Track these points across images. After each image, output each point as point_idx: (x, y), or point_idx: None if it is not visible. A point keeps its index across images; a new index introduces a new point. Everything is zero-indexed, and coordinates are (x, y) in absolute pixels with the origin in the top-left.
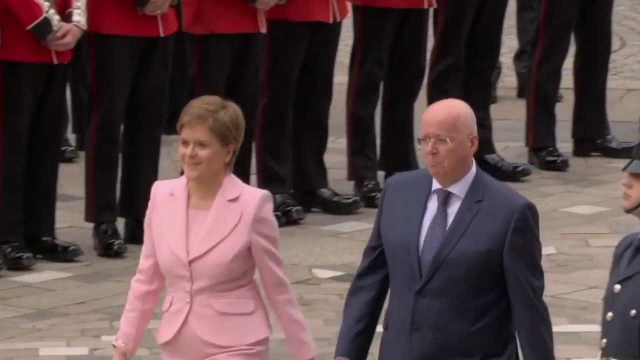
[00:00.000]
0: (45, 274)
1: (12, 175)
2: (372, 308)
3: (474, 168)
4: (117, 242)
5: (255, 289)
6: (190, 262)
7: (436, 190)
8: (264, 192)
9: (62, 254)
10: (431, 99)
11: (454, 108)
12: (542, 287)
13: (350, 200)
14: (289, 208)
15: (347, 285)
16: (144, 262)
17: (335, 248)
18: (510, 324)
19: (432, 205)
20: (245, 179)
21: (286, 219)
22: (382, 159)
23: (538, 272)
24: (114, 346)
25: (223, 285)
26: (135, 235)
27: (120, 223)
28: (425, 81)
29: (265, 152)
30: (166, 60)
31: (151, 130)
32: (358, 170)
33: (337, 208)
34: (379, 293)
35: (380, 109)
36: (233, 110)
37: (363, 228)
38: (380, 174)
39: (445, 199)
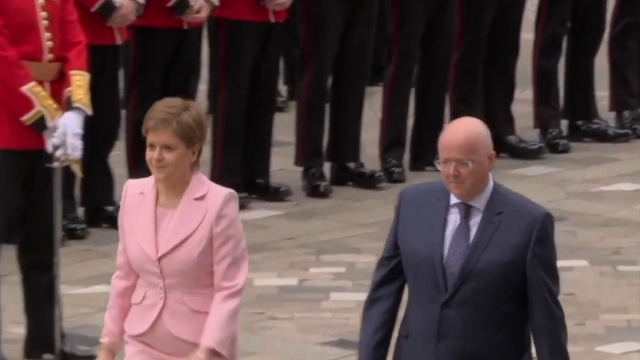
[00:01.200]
0: (259, 212)
1: (233, 126)
2: (389, 317)
3: (491, 181)
4: (323, 184)
5: None
6: (160, 258)
7: (456, 204)
8: (230, 191)
9: (274, 194)
10: (612, 54)
11: (472, 130)
12: (558, 293)
13: (535, 147)
14: None
15: None
16: (120, 258)
17: (522, 191)
18: (526, 330)
19: (453, 218)
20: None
21: None
22: (566, 109)
23: (556, 279)
24: (100, 344)
25: (194, 282)
26: (340, 178)
27: (327, 167)
28: (605, 37)
29: (459, 102)
30: (371, 20)
31: (356, 83)
32: (543, 119)
33: (523, 154)
34: (395, 302)
35: (564, 63)
36: (195, 111)
37: (547, 172)
38: (563, 122)
39: (467, 212)
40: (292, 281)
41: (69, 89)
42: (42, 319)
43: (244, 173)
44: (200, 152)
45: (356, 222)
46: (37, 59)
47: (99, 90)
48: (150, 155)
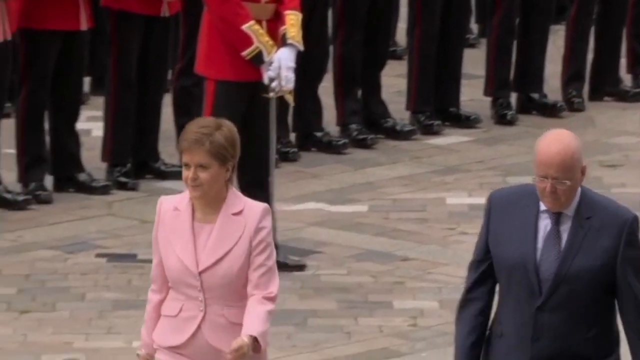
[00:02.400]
0: (452, 137)
1: (426, 57)
2: (482, 319)
3: (579, 187)
4: (510, 112)
5: None
6: (201, 272)
7: (546, 211)
8: (265, 205)
9: (465, 121)
10: None
11: (568, 147)
12: None
13: None
14: None
15: None
16: (154, 271)
17: None
18: (616, 326)
19: (543, 224)
20: None
21: None
22: None
23: None
24: (138, 355)
25: (233, 294)
26: (525, 107)
27: (513, 97)
28: None
29: (634, 40)
30: None
31: (541, 21)
32: None
33: None
34: (487, 304)
35: None
36: (228, 129)
37: None
38: None
39: (557, 219)
40: (481, 200)
41: (284, 27)
42: None
43: (436, 102)
44: (234, 169)
45: None
46: (256, 1)
47: (310, 28)
48: (186, 174)
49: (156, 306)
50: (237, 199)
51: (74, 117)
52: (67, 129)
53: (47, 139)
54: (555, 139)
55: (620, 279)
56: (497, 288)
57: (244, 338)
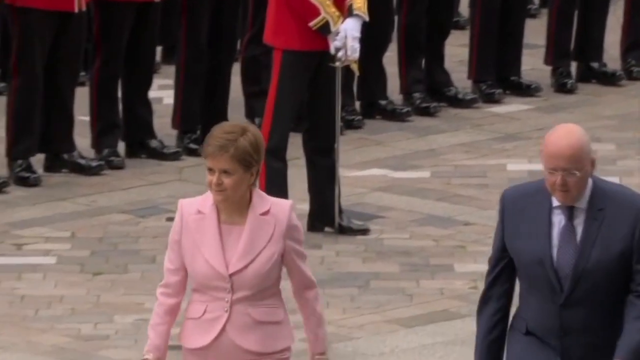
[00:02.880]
0: (512, 106)
1: (488, 27)
2: (502, 315)
3: (590, 180)
4: (569, 81)
5: (282, 298)
6: (231, 275)
7: (559, 206)
8: (290, 202)
9: (526, 90)
10: None
11: (577, 138)
12: None
13: None
14: None
15: None
16: (171, 277)
17: None
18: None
19: (557, 219)
20: None
21: None
22: None
23: None
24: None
25: (260, 294)
26: (584, 76)
27: (573, 66)
28: None
29: None
30: None
31: None
32: None
33: None
34: (507, 301)
35: None
36: (252, 134)
37: None
38: None
39: (570, 213)
40: (540, 167)
41: None
42: (323, 197)
43: (499, 72)
44: (258, 173)
45: (599, 115)
46: None
47: None
48: (210, 179)
49: (168, 310)
50: (263, 199)
51: (146, 85)
52: (139, 97)
53: (120, 106)
54: (564, 133)
55: (635, 266)
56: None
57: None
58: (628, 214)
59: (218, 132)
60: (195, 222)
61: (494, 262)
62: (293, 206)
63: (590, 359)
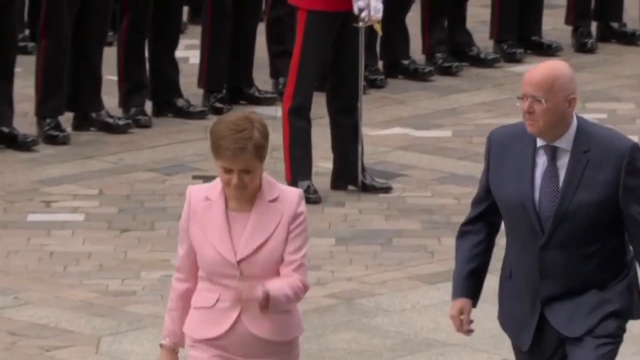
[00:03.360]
0: (533, 65)
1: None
2: (481, 250)
3: (575, 120)
4: (590, 41)
5: None
6: (239, 262)
7: (543, 147)
8: (300, 191)
9: (546, 50)
10: None
11: (553, 70)
12: None
13: None
14: None
15: None
16: (182, 261)
17: None
18: (627, 250)
19: (541, 160)
20: None
21: None
22: None
23: None
24: (161, 345)
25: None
26: (604, 36)
27: (593, 26)
28: None
29: None
30: None
31: None
32: None
33: None
34: (487, 236)
35: None
36: (259, 123)
37: None
38: None
39: (553, 153)
40: None
41: None
42: (346, 155)
43: (520, 32)
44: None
45: (618, 74)
46: None
47: None
48: (228, 178)
49: (182, 295)
50: (272, 186)
51: (173, 45)
52: (166, 57)
53: (147, 66)
54: (544, 64)
55: (625, 210)
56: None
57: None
58: (614, 156)
59: (228, 132)
60: (202, 209)
61: (477, 202)
62: (302, 195)
63: (567, 303)
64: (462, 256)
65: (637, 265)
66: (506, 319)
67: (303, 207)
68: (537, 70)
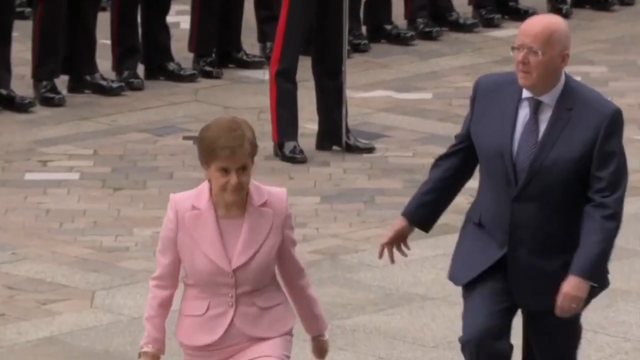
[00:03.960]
0: (511, 30)
1: None
2: (446, 184)
3: (563, 77)
4: (565, 7)
5: (277, 280)
6: (235, 270)
7: (527, 99)
8: (284, 190)
9: (523, 15)
10: None
11: (552, 23)
12: (623, 192)
13: None
14: None
15: None
16: (164, 270)
17: None
18: None
19: (523, 112)
20: None
21: None
22: None
23: (620, 177)
24: (143, 353)
25: (262, 282)
26: (579, 1)
27: None
28: None
29: None
30: None
31: None
32: None
33: None
34: (456, 173)
35: None
36: (247, 125)
37: None
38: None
39: (537, 107)
40: None
41: None
42: (331, 117)
43: (497, 1)
44: None
45: (592, 39)
46: None
47: None
48: (225, 181)
49: (163, 302)
50: (259, 190)
51: (165, 10)
52: (158, 22)
53: (140, 31)
54: (541, 15)
55: (593, 171)
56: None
57: (322, 341)
58: (595, 118)
59: (222, 133)
60: (191, 218)
61: (457, 140)
62: (286, 194)
63: (535, 258)
64: (425, 185)
65: (584, 221)
66: (461, 258)
67: (289, 207)
68: (536, 21)
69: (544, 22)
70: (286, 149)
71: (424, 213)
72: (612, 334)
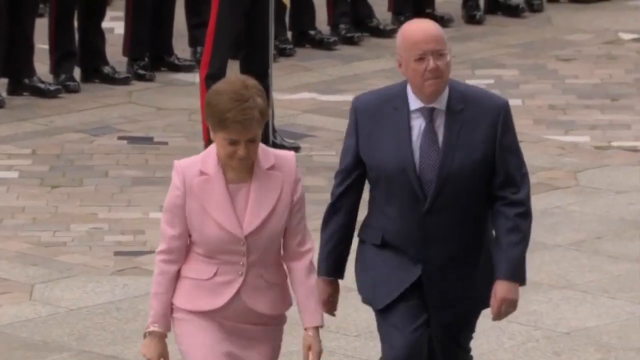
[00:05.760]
0: None
1: None
2: (350, 228)
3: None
4: (478, 13)
5: (280, 258)
6: (247, 237)
7: (418, 109)
8: (293, 153)
9: (439, 21)
10: None
11: (435, 24)
12: (529, 190)
13: None
14: None
15: None
16: (173, 242)
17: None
18: (488, 220)
19: (417, 123)
20: None
21: None
22: None
23: (523, 163)
24: (150, 332)
25: (272, 253)
26: (492, 8)
27: (481, 1)
28: None
29: None
30: None
31: None
32: None
33: None
34: (355, 214)
35: None
36: (256, 87)
37: None
38: None
39: (431, 115)
40: None
41: None
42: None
43: (415, 5)
44: None
45: (504, 44)
46: None
47: None
48: (232, 150)
49: (173, 277)
50: (266, 153)
51: (100, 17)
52: (93, 27)
53: (76, 36)
54: (421, 21)
55: (503, 166)
56: (368, 196)
57: (313, 336)
58: (489, 114)
59: (233, 104)
60: (199, 184)
61: (345, 174)
62: (295, 157)
63: (451, 269)
64: (331, 235)
65: (497, 220)
66: (371, 281)
67: (298, 170)
68: (426, 26)
69: (431, 24)
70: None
71: (340, 264)
72: (524, 323)
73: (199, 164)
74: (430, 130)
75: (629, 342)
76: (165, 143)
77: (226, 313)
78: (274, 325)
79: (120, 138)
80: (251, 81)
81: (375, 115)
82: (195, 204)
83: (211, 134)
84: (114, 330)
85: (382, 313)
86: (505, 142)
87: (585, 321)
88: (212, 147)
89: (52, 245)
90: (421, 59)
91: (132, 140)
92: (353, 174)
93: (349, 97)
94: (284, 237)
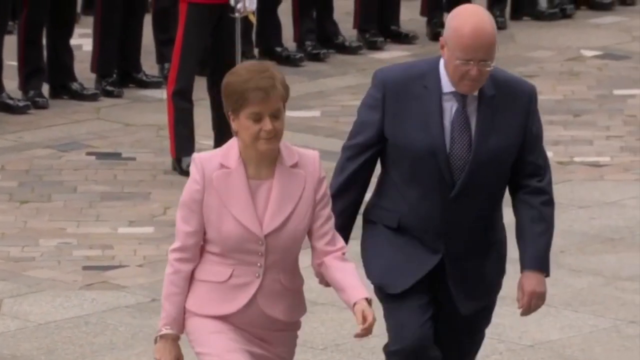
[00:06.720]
0: (393, 52)
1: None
2: (357, 206)
3: None
4: (442, 30)
5: (298, 264)
6: (266, 236)
7: (451, 93)
8: (317, 152)
9: (404, 38)
10: None
11: (491, 28)
12: (551, 178)
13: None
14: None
15: (606, 62)
16: (188, 239)
17: (597, 37)
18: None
19: (448, 106)
20: None
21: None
22: None
23: (547, 158)
24: (163, 335)
25: (292, 257)
26: None
27: (445, 17)
28: None
29: None
30: None
31: None
32: None
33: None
34: (364, 192)
35: None
36: (273, 67)
37: (619, 20)
38: None
39: (464, 100)
40: None
41: None
42: (226, 134)
43: (381, 23)
44: None
45: None
46: None
47: None
48: (257, 128)
49: (187, 277)
50: (290, 150)
51: (69, 34)
52: (62, 44)
53: (45, 52)
54: (480, 21)
55: (526, 155)
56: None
57: (365, 305)
58: (520, 99)
59: (252, 75)
60: (219, 178)
61: (361, 149)
62: (319, 156)
63: (471, 259)
64: (344, 209)
65: (521, 209)
66: (386, 264)
67: (323, 169)
68: (480, 31)
69: (486, 29)
70: (184, 163)
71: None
72: (488, 336)
73: (219, 157)
74: (463, 115)
75: (592, 355)
76: (134, 159)
77: (241, 319)
78: (289, 331)
79: (88, 154)
80: (266, 61)
81: (405, 92)
82: (214, 199)
83: (233, 124)
84: (83, 344)
85: (394, 301)
86: (534, 129)
87: (549, 334)
88: (234, 141)
89: (21, 260)
90: (466, 63)
91: (101, 156)
92: (371, 150)
93: (315, 113)
94: (311, 241)
